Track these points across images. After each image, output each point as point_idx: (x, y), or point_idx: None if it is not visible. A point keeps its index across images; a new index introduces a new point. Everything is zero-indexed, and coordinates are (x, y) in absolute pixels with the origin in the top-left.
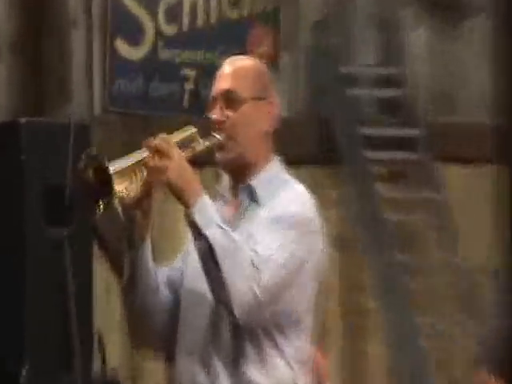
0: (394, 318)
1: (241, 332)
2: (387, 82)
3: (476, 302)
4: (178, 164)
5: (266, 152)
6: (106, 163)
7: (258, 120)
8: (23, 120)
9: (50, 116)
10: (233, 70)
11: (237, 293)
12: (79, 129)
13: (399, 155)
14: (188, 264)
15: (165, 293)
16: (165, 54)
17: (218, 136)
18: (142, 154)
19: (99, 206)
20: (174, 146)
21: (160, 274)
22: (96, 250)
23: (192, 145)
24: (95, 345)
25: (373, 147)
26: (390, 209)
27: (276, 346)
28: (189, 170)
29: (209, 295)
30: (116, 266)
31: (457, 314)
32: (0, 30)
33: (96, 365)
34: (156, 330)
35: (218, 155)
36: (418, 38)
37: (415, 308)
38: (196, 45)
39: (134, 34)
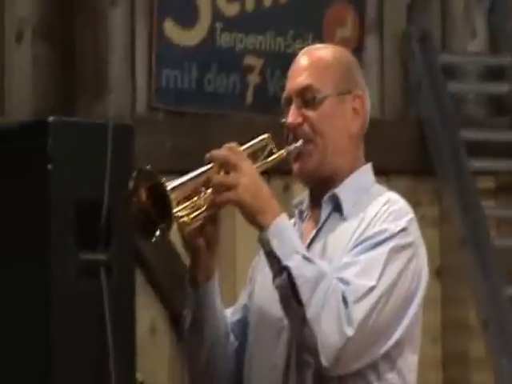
0: (504, 365)
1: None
2: (497, 74)
3: None
4: (250, 180)
5: (354, 158)
6: (163, 181)
7: (343, 119)
8: (51, 119)
9: (84, 115)
10: (310, 61)
11: (324, 337)
12: (119, 130)
13: (510, 165)
14: (256, 296)
15: (231, 340)
16: (224, 40)
17: (296, 144)
18: (205, 168)
19: (154, 234)
20: (245, 158)
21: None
22: (140, 280)
23: (265, 155)
24: None
25: (479, 155)
26: (499, 231)
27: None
28: (264, 186)
29: (285, 336)
30: (168, 308)
31: None
32: (21, 12)
33: None
34: None
35: (297, 165)
36: None
37: None
38: (262, 28)
39: (186, 15)
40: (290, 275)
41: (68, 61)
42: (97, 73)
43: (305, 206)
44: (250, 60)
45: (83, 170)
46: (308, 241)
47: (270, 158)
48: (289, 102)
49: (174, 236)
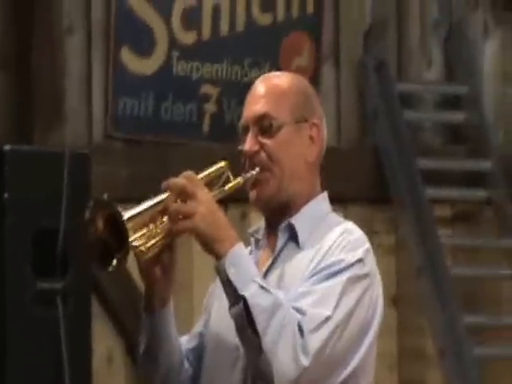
0: None
1: None
2: (453, 103)
3: None
4: (207, 208)
5: (311, 186)
6: (120, 211)
7: (300, 147)
8: (6, 148)
9: (40, 143)
10: (267, 89)
11: (279, 367)
12: (76, 159)
13: (467, 193)
14: (211, 324)
15: (186, 367)
16: (181, 68)
17: (253, 171)
18: (162, 197)
19: (111, 263)
20: (202, 187)
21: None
22: (96, 309)
23: (222, 183)
24: None
25: (435, 183)
26: (456, 259)
27: None
28: (220, 214)
29: (240, 364)
30: (125, 337)
31: None
32: None
33: None
34: None
35: (253, 192)
36: (489, 49)
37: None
38: (219, 56)
39: (143, 43)
40: (246, 304)
41: (24, 88)
42: (53, 101)
43: (261, 234)
44: (206, 88)
45: (40, 199)
46: (264, 270)
47: (226, 186)
48: (246, 129)
49: (133, 261)
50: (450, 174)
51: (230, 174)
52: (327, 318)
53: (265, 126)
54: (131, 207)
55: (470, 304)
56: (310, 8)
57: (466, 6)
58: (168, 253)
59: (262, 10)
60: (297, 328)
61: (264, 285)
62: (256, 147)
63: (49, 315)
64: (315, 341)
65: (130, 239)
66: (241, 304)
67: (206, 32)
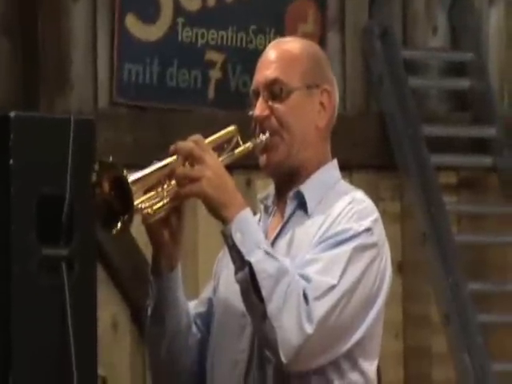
0: (466, 361)
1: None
2: (458, 70)
3: None
4: (214, 172)
5: (321, 152)
6: (125, 173)
7: (310, 113)
8: (13, 115)
9: (46, 110)
10: (277, 54)
11: (283, 334)
12: (81, 125)
13: (472, 160)
14: (220, 291)
15: (194, 331)
16: (186, 35)
17: (262, 136)
18: (169, 160)
19: (116, 225)
20: (210, 151)
21: (191, 310)
22: (101, 275)
23: (231, 148)
24: None
25: (440, 150)
26: (461, 226)
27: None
28: (228, 179)
29: (248, 332)
30: (130, 303)
31: None
32: None
33: None
34: (183, 379)
35: (263, 157)
36: (494, 16)
37: (489, 348)
38: (224, 23)
39: (148, 10)
40: (251, 270)
41: (30, 56)
42: (59, 68)
43: (270, 201)
44: (211, 55)
45: (45, 165)
46: (273, 237)
47: (236, 151)
48: (256, 94)
49: (138, 227)
50: (455, 140)
51: (239, 139)
52: (333, 286)
53: (275, 91)
54: (137, 171)
55: (475, 271)
56: None
57: None
58: (176, 216)
59: None
60: (302, 295)
61: (270, 251)
62: (266, 112)
63: (54, 282)
64: (320, 308)
65: (136, 202)
66: (246, 269)
67: None
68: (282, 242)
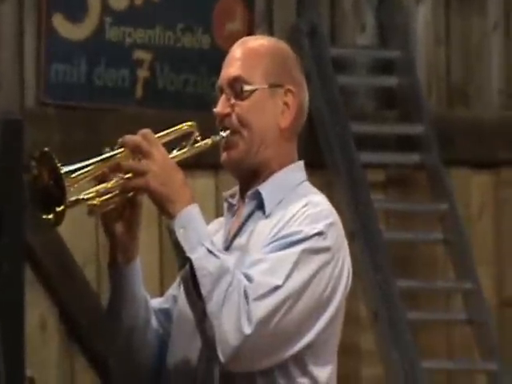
0: (395, 358)
1: (233, 375)
2: (386, 68)
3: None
4: (161, 167)
5: (283, 153)
6: (57, 162)
7: (272, 112)
8: None
9: None
10: (242, 52)
11: (222, 333)
12: (9, 125)
13: (400, 157)
14: (181, 288)
15: (155, 327)
16: (113, 34)
17: (222, 133)
18: (116, 152)
19: (48, 216)
20: (158, 145)
21: (152, 305)
22: (29, 275)
23: (188, 144)
24: None
25: (368, 148)
26: (389, 224)
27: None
28: (175, 174)
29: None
30: (58, 303)
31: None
32: None
33: None
34: (140, 381)
35: (224, 154)
36: (422, 14)
37: (418, 345)
38: (151, 22)
39: (75, 9)
40: (192, 267)
41: None
42: None
43: (236, 199)
44: (139, 54)
45: None
46: (230, 237)
47: (192, 147)
48: (221, 91)
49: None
50: (384, 138)
51: (197, 135)
52: (276, 288)
53: (237, 89)
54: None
55: (404, 268)
56: None
57: None
58: (130, 209)
59: None
60: (243, 294)
61: (212, 249)
62: (227, 110)
63: None
64: (260, 309)
65: (83, 195)
66: (187, 267)
67: None
68: (238, 243)
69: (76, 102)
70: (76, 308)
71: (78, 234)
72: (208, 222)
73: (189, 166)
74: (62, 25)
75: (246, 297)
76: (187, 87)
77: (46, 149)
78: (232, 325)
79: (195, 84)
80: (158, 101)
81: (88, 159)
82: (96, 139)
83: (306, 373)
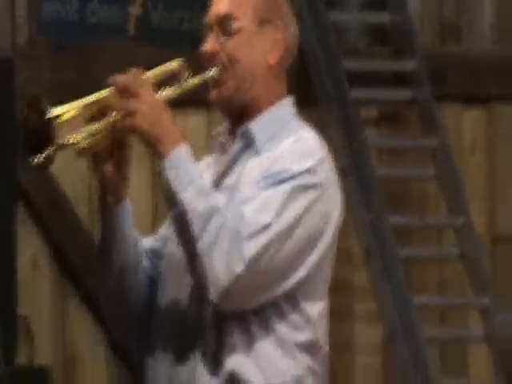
0: (387, 295)
1: (225, 314)
2: (379, 4)
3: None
4: (150, 107)
5: (273, 89)
6: (47, 106)
7: (261, 49)
8: None
9: None
10: None
11: (213, 272)
12: (0, 63)
13: (392, 93)
14: (171, 233)
15: (145, 267)
16: None
17: (211, 71)
18: (105, 93)
19: (38, 159)
20: (147, 85)
21: (143, 244)
22: (21, 214)
23: (177, 82)
24: (20, 332)
25: (361, 84)
26: (381, 160)
27: (267, 326)
28: (164, 114)
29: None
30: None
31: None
32: None
33: (21, 355)
34: (131, 319)
35: (213, 92)
36: None
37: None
38: None
39: None
40: (182, 207)
41: None
42: None
43: (225, 137)
44: None
45: None
46: (219, 174)
47: (181, 85)
48: (209, 29)
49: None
50: (376, 74)
51: (186, 73)
52: (267, 226)
53: (226, 26)
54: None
55: (397, 205)
56: None
57: None
58: (119, 150)
59: None
60: (234, 233)
61: (203, 188)
62: (216, 47)
63: None
64: (251, 247)
65: (72, 137)
66: (177, 207)
67: None
68: (229, 180)
69: (68, 39)
70: (68, 246)
71: (70, 172)
72: (200, 159)
73: (181, 103)
74: None
75: (237, 235)
76: (181, 25)
77: (36, 93)
78: (223, 264)
79: (190, 22)
80: (151, 38)
81: (77, 99)
82: (88, 78)
83: (297, 309)
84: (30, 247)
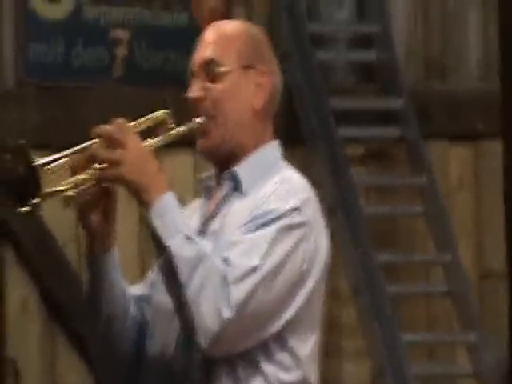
0: (376, 332)
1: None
2: (365, 42)
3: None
4: (135, 156)
5: (258, 134)
6: (32, 155)
7: (246, 94)
8: None
9: None
10: (215, 35)
11: (202, 318)
12: None
13: (379, 132)
14: (159, 280)
15: (134, 314)
16: (91, 13)
17: (196, 120)
18: (90, 143)
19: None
20: (132, 134)
21: (131, 292)
22: (10, 256)
23: (163, 132)
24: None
25: (348, 123)
26: (369, 198)
27: (254, 368)
28: (150, 163)
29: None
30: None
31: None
32: None
33: None
34: (119, 366)
35: (199, 142)
36: None
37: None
38: (129, 0)
39: None
40: (170, 254)
41: None
42: None
43: (213, 181)
44: (117, 33)
45: None
46: (205, 218)
47: (167, 135)
48: (193, 75)
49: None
50: (363, 112)
51: (171, 123)
52: (253, 269)
53: (210, 71)
54: (44, 153)
55: (385, 242)
56: None
57: None
58: (105, 199)
59: None
60: (221, 279)
61: (190, 235)
62: (200, 94)
63: None
64: (239, 292)
65: (59, 186)
66: (165, 254)
67: None
68: (215, 225)
69: (55, 81)
70: (57, 289)
71: (58, 214)
72: (187, 200)
73: (167, 144)
74: (39, 4)
75: (224, 281)
76: (166, 65)
77: (21, 141)
78: (211, 310)
79: (175, 62)
80: (136, 79)
81: (64, 150)
82: (75, 119)
83: (285, 348)
84: (18, 289)
